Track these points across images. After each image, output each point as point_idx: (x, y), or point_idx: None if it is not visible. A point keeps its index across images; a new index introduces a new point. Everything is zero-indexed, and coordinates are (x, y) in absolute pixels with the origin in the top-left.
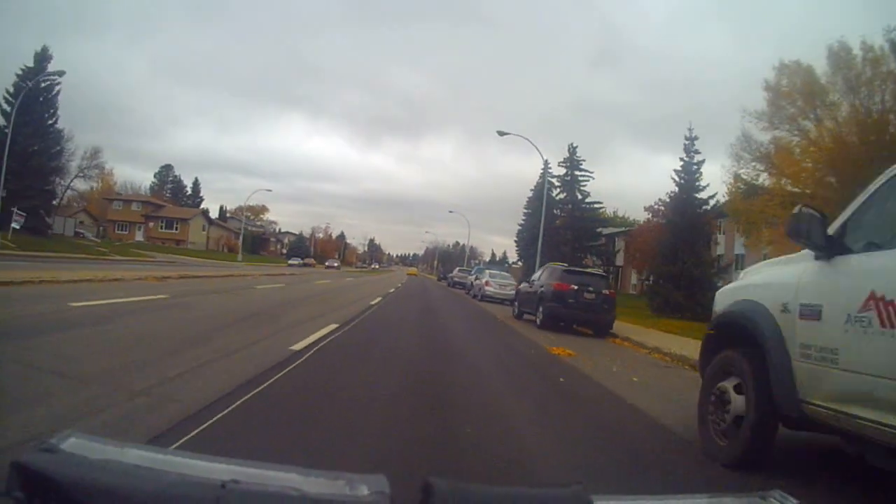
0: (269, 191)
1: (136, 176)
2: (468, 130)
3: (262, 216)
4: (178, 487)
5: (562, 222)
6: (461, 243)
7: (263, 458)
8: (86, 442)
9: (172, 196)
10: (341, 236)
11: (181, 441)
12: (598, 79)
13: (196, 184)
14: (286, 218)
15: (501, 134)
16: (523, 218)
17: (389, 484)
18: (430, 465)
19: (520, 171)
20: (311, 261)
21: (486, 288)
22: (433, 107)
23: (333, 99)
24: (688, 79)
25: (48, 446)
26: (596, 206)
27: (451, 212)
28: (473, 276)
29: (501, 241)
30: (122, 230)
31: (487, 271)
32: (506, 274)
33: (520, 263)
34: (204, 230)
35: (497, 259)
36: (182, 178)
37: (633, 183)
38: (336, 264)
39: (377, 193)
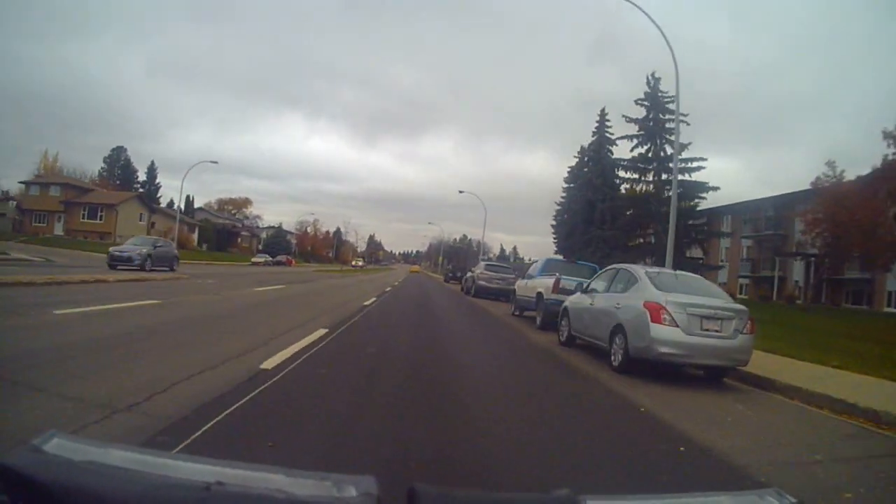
0: (215, 163)
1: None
2: (468, 128)
3: (244, 210)
4: (161, 490)
5: (629, 194)
6: (468, 237)
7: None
8: (69, 443)
9: (121, 185)
10: (337, 232)
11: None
12: (598, 69)
13: (151, 169)
14: (287, 218)
15: None
16: (563, 196)
17: (378, 485)
18: None
19: (521, 167)
20: (288, 258)
21: (662, 331)
22: (432, 104)
23: (331, 98)
24: (687, 67)
25: (31, 447)
26: (696, 164)
27: (461, 192)
28: (550, 283)
29: (507, 238)
30: (40, 221)
31: (644, 271)
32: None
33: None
34: (142, 220)
35: (506, 255)
36: (134, 162)
37: None
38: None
39: (379, 192)
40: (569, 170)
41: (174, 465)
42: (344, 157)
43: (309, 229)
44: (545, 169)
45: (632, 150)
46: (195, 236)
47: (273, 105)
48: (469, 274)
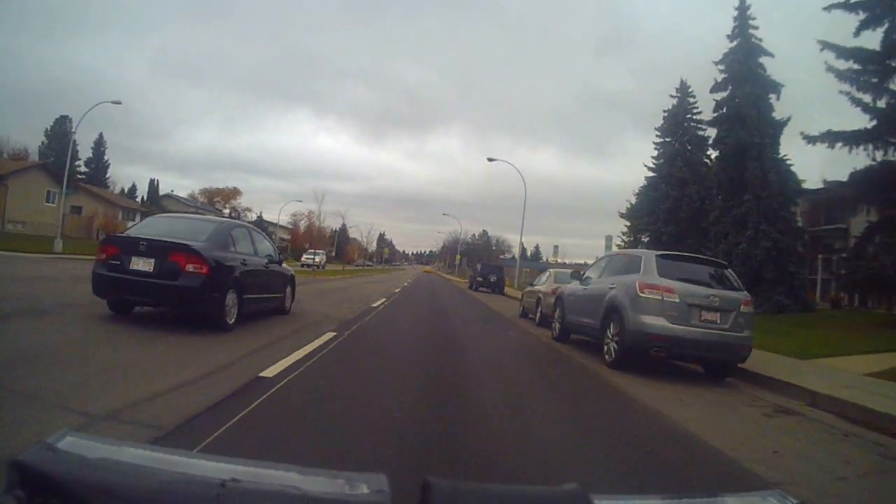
0: (118, 103)
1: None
2: (476, 126)
3: (232, 201)
4: (177, 486)
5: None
6: (488, 233)
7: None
8: (83, 441)
9: (56, 163)
10: (342, 229)
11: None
12: (605, 67)
13: (98, 145)
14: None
15: None
16: (654, 157)
17: (389, 483)
18: None
19: (530, 164)
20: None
21: None
22: (439, 102)
23: (338, 95)
24: (693, 62)
25: (46, 445)
26: None
27: (491, 160)
28: None
29: (526, 240)
30: None
31: None
32: None
33: (639, 245)
34: (50, 200)
35: (528, 255)
36: (76, 140)
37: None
38: None
39: (389, 192)
40: (664, 114)
41: (188, 463)
42: (353, 156)
43: (303, 223)
44: (554, 167)
45: (857, 33)
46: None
47: (280, 103)
48: (578, 289)
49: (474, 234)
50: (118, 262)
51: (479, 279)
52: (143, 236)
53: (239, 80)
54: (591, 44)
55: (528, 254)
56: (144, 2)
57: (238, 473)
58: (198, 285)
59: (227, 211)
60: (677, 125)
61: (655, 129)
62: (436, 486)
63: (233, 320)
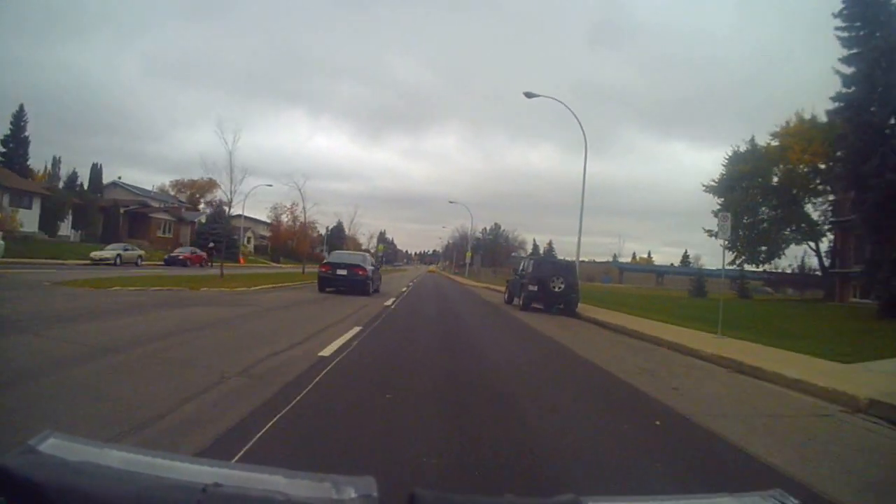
0: None
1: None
2: (473, 124)
3: (208, 194)
4: (157, 491)
5: None
6: (500, 226)
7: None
8: (65, 443)
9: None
10: (338, 227)
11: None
12: (600, 60)
13: (18, 117)
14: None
15: None
16: (846, 57)
17: (377, 486)
18: None
19: (528, 162)
20: (197, 254)
21: None
22: (434, 98)
23: (333, 94)
24: (693, 57)
25: (27, 448)
26: None
27: (529, 95)
28: None
29: (539, 237)
30: None
31: None
32: None
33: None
34: None
35: (541, 254)
36: (26, 124)
37: (645, 173)
38: None
39: (389, 191)
40: (853, 29)
41: (171, 466)
42: (350, 155)
43: (285, 217)
44: (554, 164)
45: None
46: (31, 215)
47: (275, 103)
48: None
49: (485, 228)
50: (331, 271)
51: (534, 289)
52: (341, 261)
53: (232, 81)
54: (585, 34)
55: (541, 252)
56: (135, 4)
57: (221, 477)
58: (364, 279)
59: (202, 206)
60: (878, 7)
61: (833, 14)
62: (422, 498)
63: (370, 293)
